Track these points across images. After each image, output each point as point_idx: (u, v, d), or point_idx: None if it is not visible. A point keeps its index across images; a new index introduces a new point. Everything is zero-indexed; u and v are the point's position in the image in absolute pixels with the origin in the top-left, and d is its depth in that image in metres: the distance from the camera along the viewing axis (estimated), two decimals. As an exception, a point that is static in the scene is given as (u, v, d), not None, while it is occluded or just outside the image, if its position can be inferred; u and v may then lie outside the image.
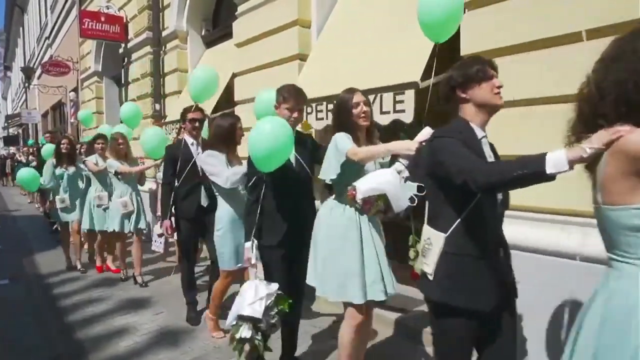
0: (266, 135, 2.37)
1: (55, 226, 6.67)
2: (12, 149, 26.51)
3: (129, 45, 8.47)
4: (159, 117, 7.32)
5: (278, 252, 2.68)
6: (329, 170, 2.36)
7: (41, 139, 13.94)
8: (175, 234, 3.99)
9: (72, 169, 5.58)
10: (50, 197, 6.16)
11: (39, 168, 8.97)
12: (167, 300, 4.35)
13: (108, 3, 8.98)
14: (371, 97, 3.43)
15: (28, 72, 17.91)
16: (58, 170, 5.55)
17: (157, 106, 7.45)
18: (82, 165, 5.62)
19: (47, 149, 7.09)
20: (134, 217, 4.91)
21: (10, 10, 25.99)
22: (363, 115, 2.38)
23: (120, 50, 8.89)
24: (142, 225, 5.01)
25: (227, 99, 5.77)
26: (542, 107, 2.65)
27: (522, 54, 2.75)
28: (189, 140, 3.82)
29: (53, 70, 12.10)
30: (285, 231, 2.67)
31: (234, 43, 5.45)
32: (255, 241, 2.58)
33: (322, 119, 3.84)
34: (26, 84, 19.27)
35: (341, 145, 2.28)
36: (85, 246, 6.19)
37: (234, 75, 5.47)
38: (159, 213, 4.19)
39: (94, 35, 8.50)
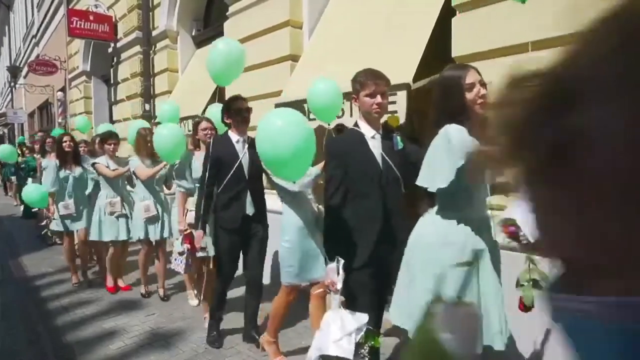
0: (278, 134, 2.00)
1: (44, 231, 6.34)
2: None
3: (118, 44, 8.40)
4: (149, 117, 7.27)
5: (364, 275, 2.20)
6: (437, 176, 1.76)
7: (20, 138, 13.76)
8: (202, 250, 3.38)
9: (78, 171, 4.95)
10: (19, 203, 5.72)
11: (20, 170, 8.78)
12: (158, 302, 4.31)
13: (97, 2, 8.89)
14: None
15: (14, 71, 17.65)
16: (62, 173, 4.86)
17: (147, 106, 7.40)
18: (88, 167, 4.97)
19: (4, 150, 6.60)
20: (158, 224, 4.35)
21: (-5, 9, 25.60)
22: (480, 100, 1.78)
23: (110, 50, 8.81)
24: (166, 234, 4.41)
25: (219, 100, 5.73)
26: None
27: (513, 56, 2.78)
28: (234, 137, 3.16)
29: (40, 69, 11.95)
30: (373, 249, 2.20)
31: (225, 43, 5.43)
32: (342, 261, 2.08)
33: (314, 119, 3.84)
34: (12, 83, 18.98)
35: (459, 142, 1.68)
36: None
37: (225, 76, 5.45)
38: (180, 227, 3.75)
39: (82, 34, 8.41)
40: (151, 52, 7.47)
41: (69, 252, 5.07)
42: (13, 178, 11.03)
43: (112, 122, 9.39)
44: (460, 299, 1.61)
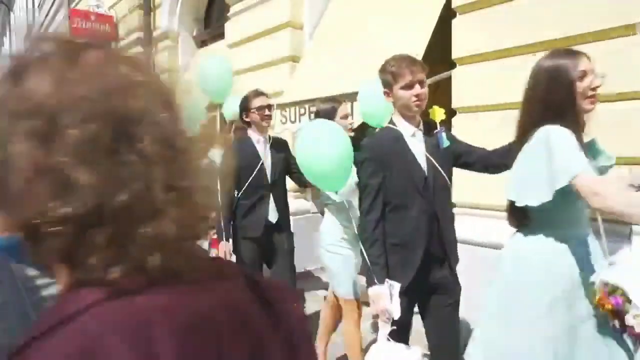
0: (317, 146, 2.05)
1: None
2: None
3: (120, 45, 8.42)
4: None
5: (405, 302, 1.82)
6: (530, 191, 1.45)
7: None
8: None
9: None
10: None
11: None
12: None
13: (98, 2, 8.91)
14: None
15: (15, 71, 17.68)
16: None
17: (148, 106, 7.41)
18: None
19: None
20: None
21: (-4, 9, 25.67)
22: (591, 93, 1.45)
23: (110, 50, 8.83)
24: None
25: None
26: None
27: (514, 58, 2.79)
28: (254, 137, 2.85)
29: (41, 69, 11.97)
30: (419, 267, 1.84)
31: (226, 44, 5.45)
32: (396, 285, 1.77)
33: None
34: (13, 83, 19.01)
35: (566, 157, 1.36)
36: None
37: (226, 76, 5.47)
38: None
39: (83, 34, 8.42)
40: (152, 52, 7.48)
41: None
42: None
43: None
44: None
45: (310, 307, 3.25)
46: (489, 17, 2.91)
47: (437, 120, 1.96)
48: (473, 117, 3.00)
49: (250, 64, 5.00)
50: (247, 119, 2.86)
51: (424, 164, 1.88)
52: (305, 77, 4.33)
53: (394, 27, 3.73)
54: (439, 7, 3.38)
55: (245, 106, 2.85)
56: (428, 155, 1.88)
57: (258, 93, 2.85)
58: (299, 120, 3.99)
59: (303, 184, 2.93)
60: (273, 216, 2.83)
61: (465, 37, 3.04)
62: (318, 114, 2.52)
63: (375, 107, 2.41)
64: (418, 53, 3.31)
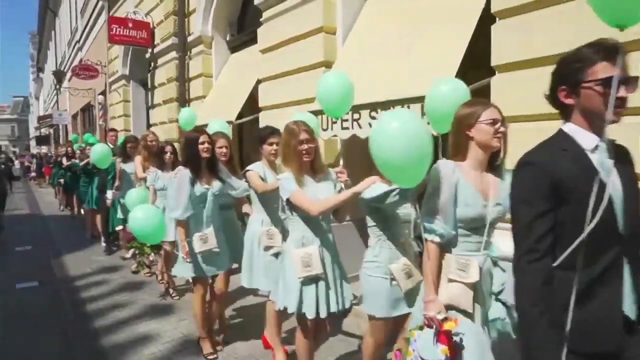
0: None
1: (135, 268, 5.22)
2: (44, 149, 27.52)
3: (156, 50, 8.61)
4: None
5: None
6: None
7: (73, 137, 14.23)
8: None
9: (217, 186, 3.25)
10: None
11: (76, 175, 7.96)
12: (190, 307, 4.36)
13: (135, 8, 9.15)
14: (395, 109, 3.37)
15: (59, 76, 18.48)
16: (198, 188, 3.14)
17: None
18: (231, 181, 3.35)
19: (99, 152, 5.73)
20: (323, 288, 2.44)
21: (43, 14, 26.88)
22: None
23: (147, 55, 9.05)
24: (341, 305, 2.50)
25: (251, 106, 5.78)
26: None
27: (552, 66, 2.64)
28: (585, 138, 1.38)
29: (82, 73, 12.43)
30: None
31: (259, 49, 5.45)
32: None
33: (347, 128, 3.79)
34: (57, 87, 19.87)
35: None
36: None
37: (259, 82, 5.48)
38: (429, 313, 1.75)
39: (121, 40, 8.67)
40: (187, 57, 7.60)
41: (201, 309, 3.32)
42: (62, 181, 9.70)
43: (149, 125, 9.64)
44: None
45: None
46: (531, 22, 2.76)
47: None
48: (511, 127, 2.86)
49: (282, 69, 4.98)
50: (568, 100, 1.41)
51: None
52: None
53: (430, 33, 3.61)
54: (477, 12, 3.25)
55: (570, 75, 1.41)
56: None
57: (606, 45, 1.36)
58: (331, 128, 3.93)
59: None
60: (630, 307, 1.35)
61: (505, 44, 2.90)
62: None
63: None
64: (455, 61, 3.19)
